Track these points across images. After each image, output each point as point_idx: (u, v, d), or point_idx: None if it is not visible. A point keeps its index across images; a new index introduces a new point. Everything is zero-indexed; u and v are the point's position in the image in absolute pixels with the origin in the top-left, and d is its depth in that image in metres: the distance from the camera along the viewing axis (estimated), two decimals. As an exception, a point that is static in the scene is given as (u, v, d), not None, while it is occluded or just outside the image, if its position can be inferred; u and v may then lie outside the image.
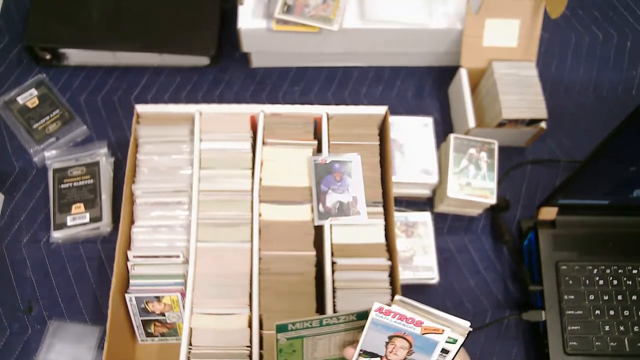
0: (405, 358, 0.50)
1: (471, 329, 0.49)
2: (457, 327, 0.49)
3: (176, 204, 0.74)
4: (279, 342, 0.55)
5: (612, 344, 0.75)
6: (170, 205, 0.74)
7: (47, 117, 0.87)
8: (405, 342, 0.50)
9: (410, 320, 0.48)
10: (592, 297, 0.77)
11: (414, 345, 0.49)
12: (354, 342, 0.52)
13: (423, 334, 0.48)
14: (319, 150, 0.77)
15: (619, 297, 0.77)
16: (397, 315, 0.48)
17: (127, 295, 0.70)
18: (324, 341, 0.55)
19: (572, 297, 0.77)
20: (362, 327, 0.50)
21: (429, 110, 0.93)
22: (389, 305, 0.49)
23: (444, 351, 0.49)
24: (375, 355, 0.52)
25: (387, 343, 0.50)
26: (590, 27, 1.01)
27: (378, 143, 0.77)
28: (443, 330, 0.48)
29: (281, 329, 0.54)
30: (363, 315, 0.49)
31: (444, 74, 0.94)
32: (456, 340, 0.48)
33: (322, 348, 0.56)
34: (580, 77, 0.96)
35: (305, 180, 0.74)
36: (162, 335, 0.75)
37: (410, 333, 0.49)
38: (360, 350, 0.52)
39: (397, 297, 0.50)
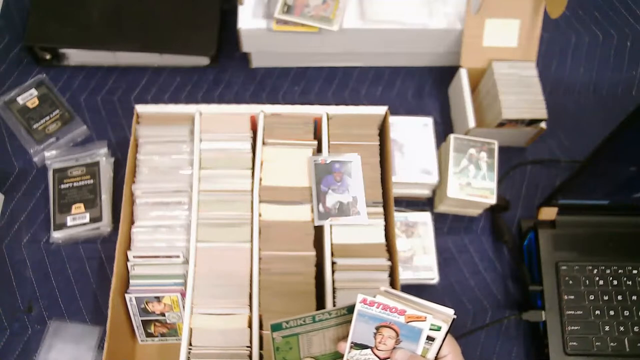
0: (394, 347, 0.52)
1: (455, 317, 0.50)
2: (441, 315, 0.50)
3: (176, 204, 0.74)
4: (275, 341, 0.56)
5: (612, 344, 0.75)
6: (170, 205, 0.74)
7: (47, 117, 0.87)
8: (393, 332, 0.51)
9: (393, 310, 0.50)
10: (592, 297, 0.77)
11: (401, 334, 0.51)
12: (346, 336, 0.53)
13: (407, 322, 0.50)
14: (319, 150, 0.77)
15: (619, 297, 0.77)
16: (381, 306, 0.50)
17: (127, 296, 0.70)
18: (319, 337, 0.56)
19: (572, 297, 0.77)
20: None
21: (429, 110, 0.93)
22: (374, 296, 0.51)
23: (431, 339, 0.51)
24: (366, 347, 0.53)
25: (375, 334, 0.52)
26: (590, 27, 1.01)
27: (378, 143, 0.77)
28: (425, 318, 0.49)
29: (276, 327, 0.55)
30: (353, 309, 0.52)
31: (444, 74, 0.94)
32: (440, 328, 0.50)
33: (317, 343, 0.56)
34: (580, 77, 0.96)
35: (305, 180, 0.74)
36: (162, 335, 0.75)
37: (395, 322, 0.51)
38: (351, 342, 0.53)
39: (382, 288, 0.52)
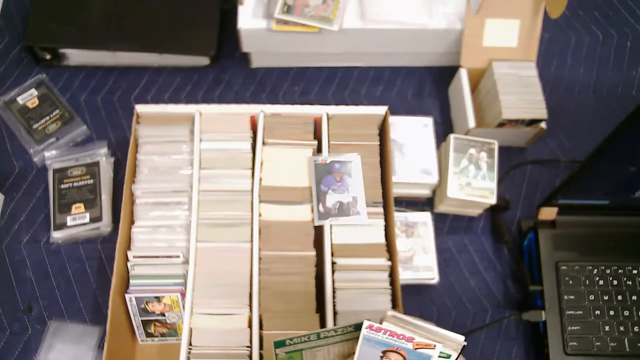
0: None
1: (465, 344, 0.49)
2: (451, 342, 0.49)
3: (176, 204, 0.74)
4: (278, 356, 0.55)
5: (612, 344, 0.75)
6: (170, 205, 0.74)
7: (47, 117, 0.87)
8: (399, 357, 0.50)
9: (401, 337, 0.49)
10: (592, 297, 0.77)
11: (408, 359, 0.50)
12: (351, 354, 0.52)
13: (415, 349, 0.49)
14: (319, 150, 0.77)
15: (619, 297, 0.77)
16: (388, 332, 0.49)
17: (127, 296, 0.70)
18: (323, 352, 0.55)
19: (572, 297, 0.77)
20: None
21: (429, 110, 0.93)
22: (381, 322, 0.49)
23: None
24: None
25: (381, 357, 0.51)
26: (590, 27, 1.01)
27: (378, 143, 0.77)
28: (435, 346, 0.48)
29: (279, 344, 0.54)
30: (360, 327, 0.50)
31: (444, 74, 0.94)
32: (450, 356, 0.49)
33: (321, 359, 0.56)
34: (580, 77, 0.96)
35: (305, 180, 0.74)
36: (162, 335, 0.75)
37: (402, 348, 0.49)
38: None
39: (389, 312, 0.50)
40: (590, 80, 0.96)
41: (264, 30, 0.85)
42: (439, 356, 0.49)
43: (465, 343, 0.49)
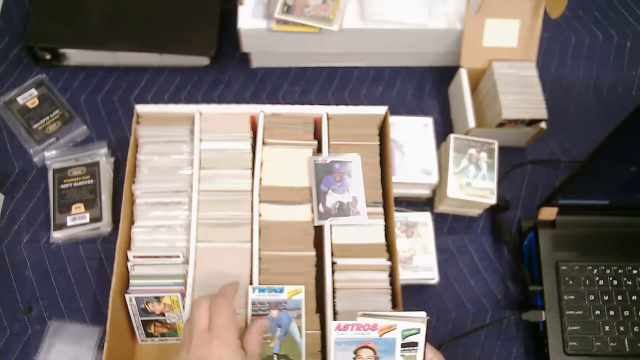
0: None
1: (428, 318, 0.53)
2: (414, 319, 0.53)
3: (176, 204, 0.74)
4: None
5: (612, 344, 0.75)
6: (170, 205, 0.74)
7: (47, 117, 0.87)
8: (370, 351, 0.53)
9: (366, 327, 0.52)
10: (592, 297, 0.77)
11: (378, 351, 0.53)
12: None
13: (381, 335, 0.52)
14: (319, 150, 0.77)
15: (619, 297, 0.77)
16: (355, 327, 0.53)
17: (127, 296, 0.70)
18: None
19: (572, 297, 0.77)
20: None
21: (429, 110, 0.93)
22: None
23: (414, 345, 0.53)
24: None
25: (354, 359, 0.54)
26: (590, 27, 1.01)
27: (378, 143, 0.77)
28: (395, 326, 0.52)
29: None
30: None
31: (444, 74, 0.94)
32: (419, 330, 0.52)
33: None
34: (580, 77, 0.96)
35: (305, 180, 0.74)
36: (162, 335, 0.75)
37: (371, 340, 0.53)
38: None
39: (360, 312, 0.54)
40: (590, 81, 0.96)
41: (264, 30, 0.85)
42: (411, 333, 0.52)
43: (428, 317, 0.54)
